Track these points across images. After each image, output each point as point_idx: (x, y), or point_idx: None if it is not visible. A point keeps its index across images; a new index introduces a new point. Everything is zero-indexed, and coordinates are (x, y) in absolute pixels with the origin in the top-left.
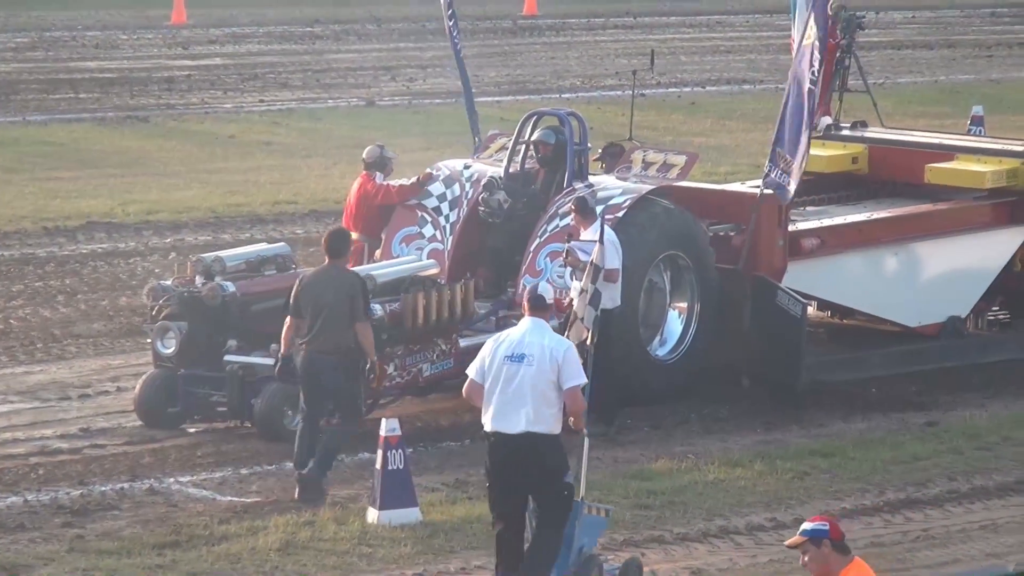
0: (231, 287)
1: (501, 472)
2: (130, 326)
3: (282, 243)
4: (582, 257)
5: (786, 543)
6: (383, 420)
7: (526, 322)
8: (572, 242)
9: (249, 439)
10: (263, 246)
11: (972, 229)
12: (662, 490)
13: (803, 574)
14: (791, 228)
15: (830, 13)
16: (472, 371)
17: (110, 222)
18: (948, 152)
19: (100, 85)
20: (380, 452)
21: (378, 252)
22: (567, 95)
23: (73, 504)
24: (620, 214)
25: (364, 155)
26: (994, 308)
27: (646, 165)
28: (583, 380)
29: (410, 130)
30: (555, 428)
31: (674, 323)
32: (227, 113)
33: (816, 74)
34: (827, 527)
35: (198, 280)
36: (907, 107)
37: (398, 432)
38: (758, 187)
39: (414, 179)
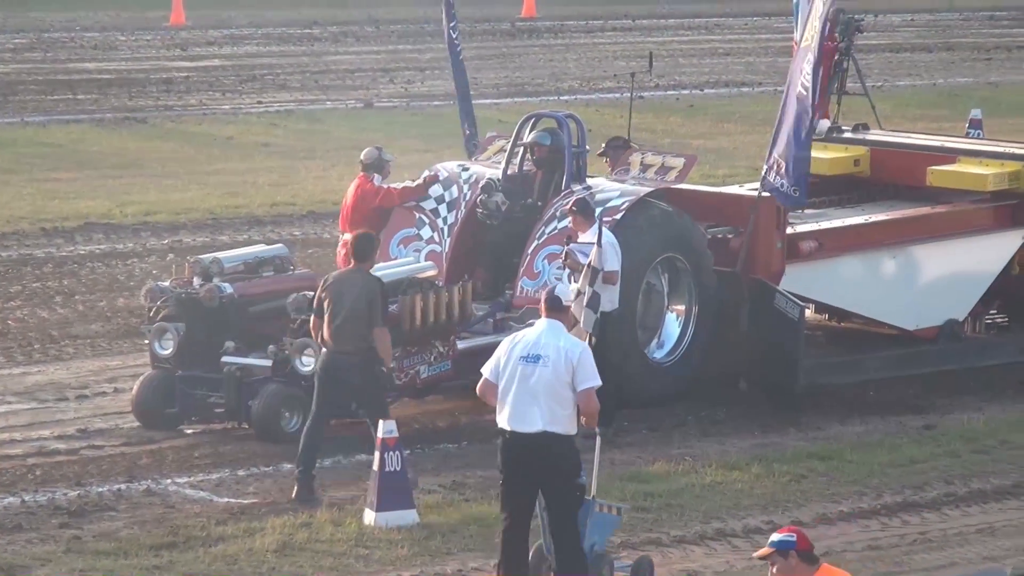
0: (229, 288)
1: (515, 470)
2: (128, 327)
3: (280, 244)
4: (582, 259)
5: (754, 555)
6: (380, 422)
7: (542, 323)
8: (571, 244)
9: (246, 440)
10: (261, 247)
11: (970, 232)
12: (659, 492)
13: None
14: (789, 231)
15: (828, 17)
16: (487, 370)
17: (108, 223)
18: (950, 155)
19: (98, 86)
20: (377, 454)
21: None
22: (565, 97)
23: (70, 505)
24: (618, 216)
25: (362, 157)
26: (992, 311)
27: (644, 167)
28: (598, 382)
29: (408, 132)
30: (570, 429)
31: (672, 326)
32: (225, 114)
33: (809, 77)
34: (794, 538)
35: (196, 281)
36: (905, 110)
37: (395, 434)
38: (756, 190)
39: (419, 180)
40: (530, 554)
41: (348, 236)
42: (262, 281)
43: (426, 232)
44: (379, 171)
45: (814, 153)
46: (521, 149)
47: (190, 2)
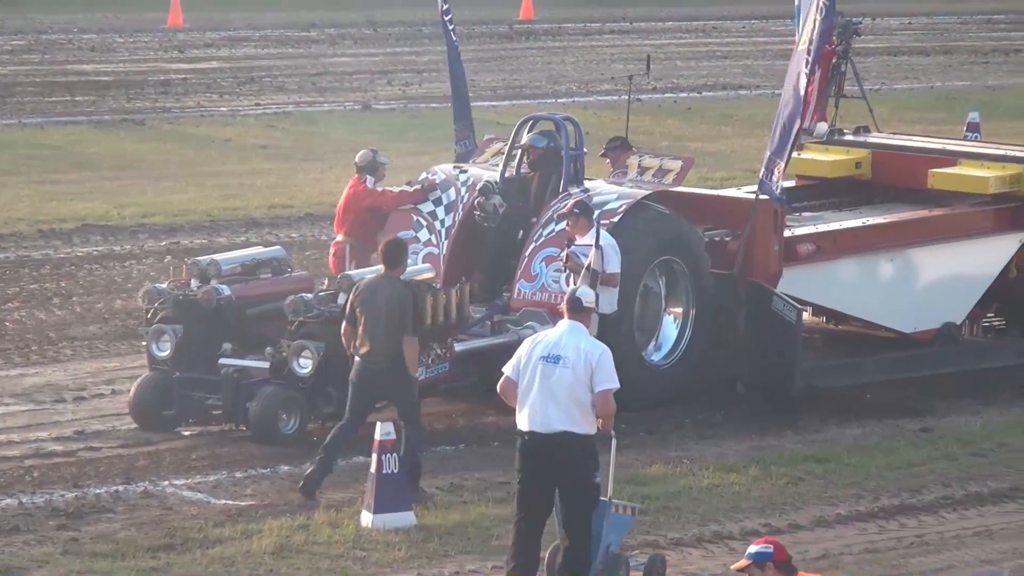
0: (226, 290)
1: (532, 471)
2: (125, 329)
3: (278, 246)
4: (583, 261)
5: (732, 567)
6: (378, 424)
7: (564, 324)
8: (573, 247)
9: (244, 442)
10: (258, 249)
11: (968, 235)
12: (656, 495)
13: None
14: (787, 234)
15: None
16: (508, 369)
17: (106, 225)
18: (951, 157)
19: (96, 88)
20: (375, 456)
21: (373, 255)
22: (563, 100)
23: (67, 506)
24: (616, 219)
25: (356, 159)
26: (989, 314)
27: (642, 170)
28: (616, 384)
29: (406, 134)
30: (589, 429)
31: (669, 328)
32: (223, 116)
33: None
34: (771, 549)
35: (193, 283)
36: (903, 113)
37: (393, 436)
38: (754, 192)
39: (417, 186)
40: (547, 553)
41: (340, 237)
42: (260, 283)
43: (424, 235)
44: (372, 173)
45: (816, 156)
46: (519, 152)
47: (188, 4)
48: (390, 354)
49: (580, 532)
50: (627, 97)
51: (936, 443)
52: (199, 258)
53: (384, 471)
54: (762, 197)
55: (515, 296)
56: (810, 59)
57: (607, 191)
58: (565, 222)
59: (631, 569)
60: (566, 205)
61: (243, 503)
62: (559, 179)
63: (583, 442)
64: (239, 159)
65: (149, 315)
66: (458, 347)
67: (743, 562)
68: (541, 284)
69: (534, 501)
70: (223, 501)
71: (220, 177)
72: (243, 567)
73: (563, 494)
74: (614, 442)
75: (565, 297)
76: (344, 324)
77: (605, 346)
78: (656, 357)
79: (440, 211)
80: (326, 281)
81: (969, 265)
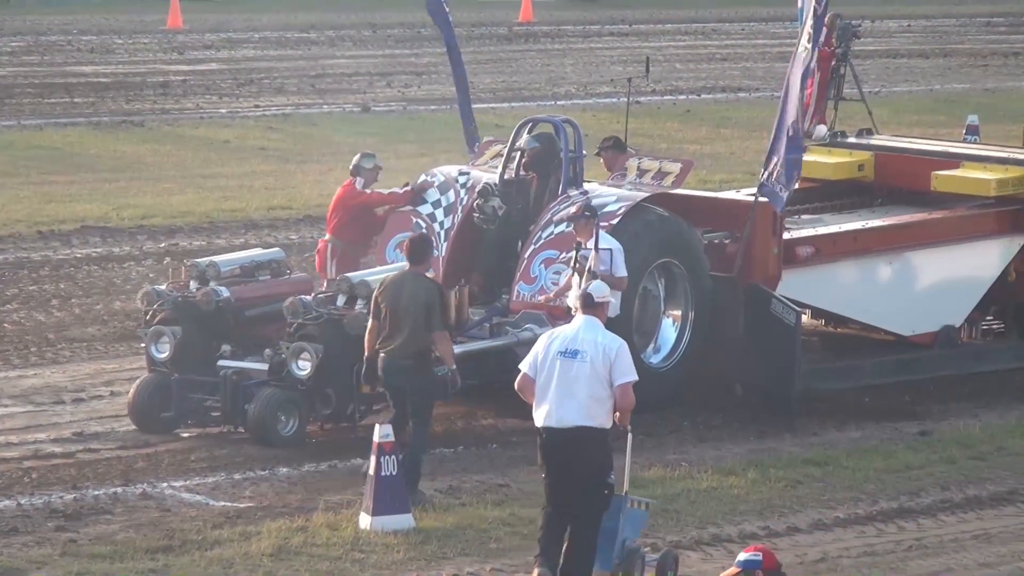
0: (225, 292)
1: (553, 466)
2: (124, 330)
3: (276, 248)
4: (601, 266)
5: (721, 574)
6: (376, 426)
7: (580, 319)
8: (583, 250)
9: (242, 444)
10: (257, 251)
11: (967, 238)
12: (655, 497)
13: None
14: (786, 236)
15: (825, 24)
16: (525, 366)
17: (105, 226)
18: (954, 160)
19: (95, 89)
20: (373, 458)
21: (370, 257)
22: (562, 102)
23: (66, 508)
24: (615, 221)
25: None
26: (988, 318)
27: (641, 172)
28: (635, 377)
29: (405, 136)
30: (605, 423)
31: (668, 331)
32: (222, 118)
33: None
34: (760, 557)
35: (192, 285)
36: (902, 116)
37: (391, 438)
38: (753, 195)
39: (406, 187)
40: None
41: (327, 237)
42: (258, 285)
43: None
44: (361, 175)
45: (819, 158)
46: (517, 154)
47: (187, 6)
48: (414, 350)
49: (588, 530)
50: (626, 99)
51: (935, 446)
52: (198, 260)
53: (383, 473)
54: (761, 199)
55: (514, 298)
56: (809, 60)
57: (606, 193)
58: (572, 224)
59: (647, 564)
60: (575, 207)
61: (241, 505)
62: (558, 181)
63: (599, 437)
64: (238, 161)
65: (148, 317)
66: (457, 349)
67: (732, 570)
68: (540, 286)
69: (562, 495)
70: (221, 503)
71: (219, 179)
72: (241, 569)
73: (577, 491)
74: (630, 437)
75: (579, 294)
76: (370, 321)
77: (622, 340)
78: (655, 360)
79: (439, 213)
80: (325, 283)
81: (968, 268)
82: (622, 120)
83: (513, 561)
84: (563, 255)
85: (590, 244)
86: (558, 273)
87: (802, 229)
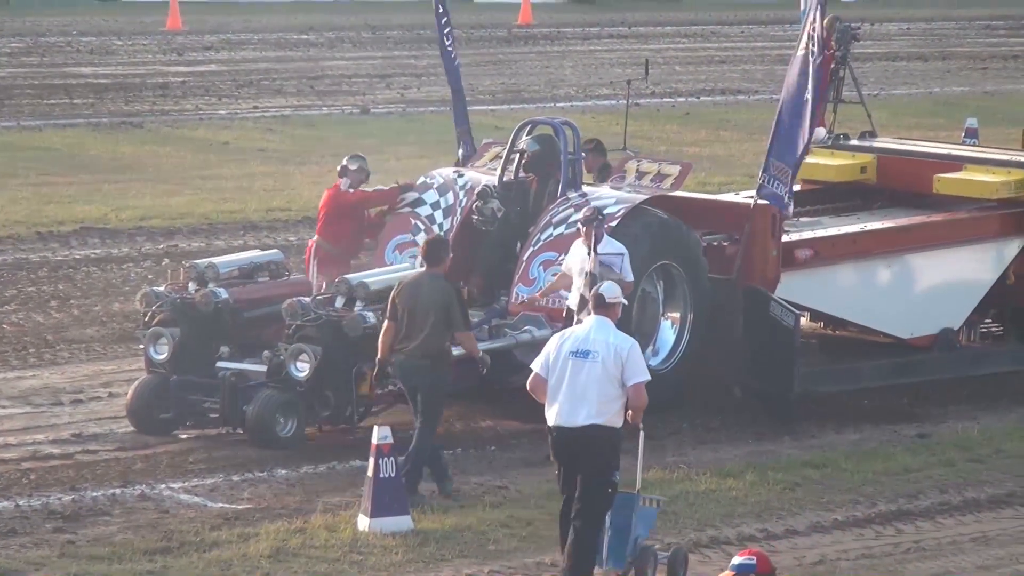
0: (224, 294)
1: (565, 464)
2: (123, 332)
3: (275, 250)
4: (615, 271)
5: None
6: (375, 428)
7: (591, 320)
8: (601, 257)
9: (241, 446)
10: (256, 253)
11: (966, 241)
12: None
13: None
14: (784, 239)
15: (824, 25)
16: (537, 365)
17: (104, 227)
18: (956, 162)
19: (95, 90)
20: (372, 460)
21: (361, 259)
22: (561, 104)
23: (64, 509)
24: (614, 224)
25: None
26: (987, 320)
27: (640, 175)
28: (647, 376)
29: (404, 138)
30: (616, 422)
31: (667, 333)
32: (221, 119)
33: (809, 86)
34: (754, 561)
35: (191, 286)
36: (901, 119)
37: (390, 440)
38: (752, 197)
39: (392, 185)
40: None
41: (315, 238)
42: (257, 286)
43: (421, 238)
44: (348, 176)
45: (821, 160)
46: (516, 156)
47: (187, 7)
48: (430, 351)
49: (588, 528)
50: (626, 101)
51: (933, 449)
52: (197, 261)
53: (381, 475)
54: (760, 202)
55: (513, 300)
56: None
57: (605, 196)
58: (583, 227)
59: (659, 561)
60: (585, 211)
61: (240, 506)
62: (557, 183)
63: (608, 435)
64: (237, 162)
65: (147, 318)
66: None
67: (727, 573)
68: (539, 288)
69: (574, 490)
70: (220, 504)
71: (218, 180)
72: (240, 570)
73: (581, 488)
74: (642, 435)
75: (591, 293)
76: (386, 322)
77: (634, 340)
78: (653, 362)
79: (438, 215)
80: (323, 285)
81: (967, 271)
82: (621, 122)
83: (511, 563)
84: (560, 257)
85: (601, 247)
86: (556, 275)
87: (801, 231)
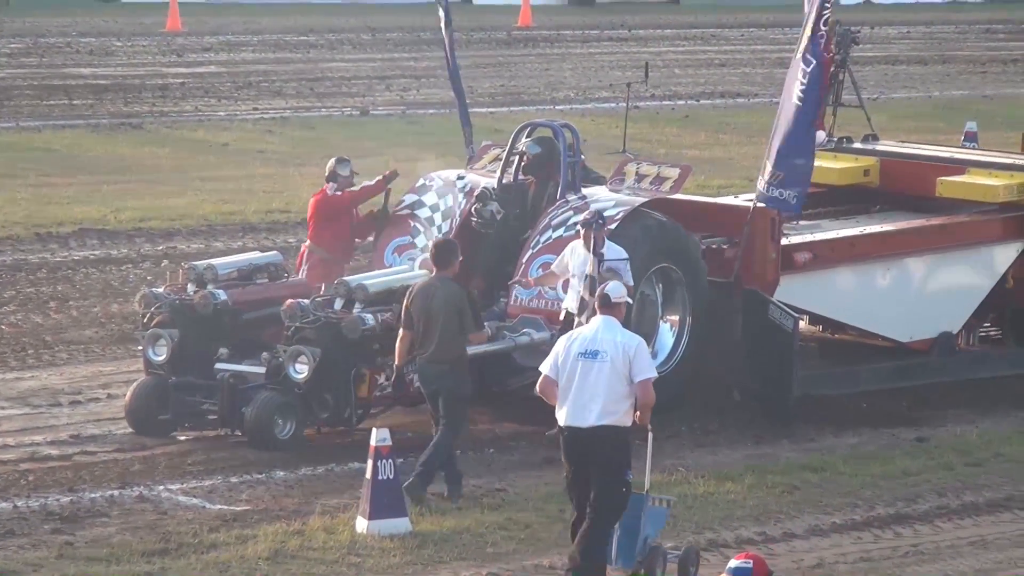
0: (223, 295)
1: (575, 465)
2: (121, 333)
3: (274, 252)
4: (622, 275)
5: None
6: (374, 430)
7: (598, 320)
8: (606, 263)
9: (239, 447)
10: (255, 255)
11: (965, 245)
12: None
13: None
14: (784, 242)
15: (823, 28)
16: (546, 367)
17: (103, 229)
18: (959, 166)
19: (94, 91)
20: (370, 462)
21: (354, 261)
22: (561, 107)
23: (63, 511)
24: (613, 226)
25: None
26: (986, 324)
27: (639, 178)
28: (654, 374)
29: (404, 140)
30: (625, 421)
31: (666, 336)
32: (221, 121)
33: (803, 90)
34: (750, 565)
35: (190, 288)
36: (901, 122)
37: (388, 442)
38: (751, 200)
39: (378, 178)
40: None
41: (307, 243)
42: (256, 288)
43: (421, 240)
44: (333, 180)
45: (824, 163)
46: (515, 158)
47: (186, 8)
48: (448, 356)
49: (601, 528)
50: (625, 104)
51: (932, 452)
52: (196, 263)
53: (380, 477)
54: (759, 205)
55: (512, 303)
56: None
57: (605, 198)
58: (583, 230)
59: (668, 561)
60: (586, 214)
61: (238, 508)
62: (556, 186)
63: (619, 435)
64: (236, 164)
65: (145, 319)
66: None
67: None
68: (538, 291)
69: (583, 493)
70: (218, 506)
71: (217, 182)
72: (238, 572)
73: (596, 489)
74: (651, 435)
75: (596, 293)
76: (402, 331)
77: (640, 338)
78: None
79: (437, 217)
80: (322, 287)
81: (966, 275)
82: (621, 125)
83: (509, 565)
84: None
85: (604, 251)
86: (566, 278)
87: (800, 235)
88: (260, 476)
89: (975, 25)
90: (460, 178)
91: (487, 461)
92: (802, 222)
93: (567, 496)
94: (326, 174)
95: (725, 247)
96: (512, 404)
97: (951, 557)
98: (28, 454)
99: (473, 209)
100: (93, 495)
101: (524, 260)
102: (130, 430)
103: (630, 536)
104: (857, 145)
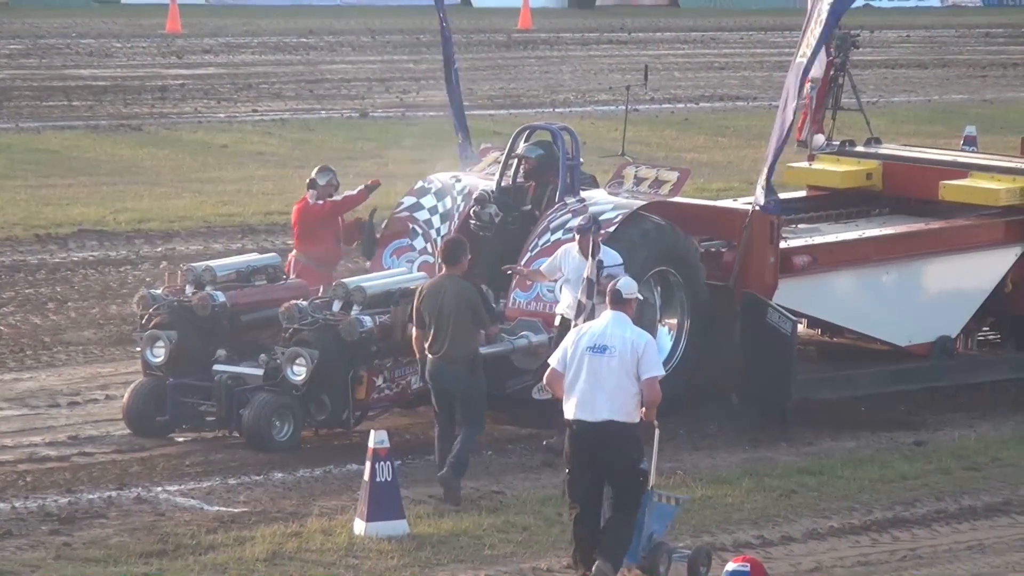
0: (221, 297)
1: (581, 459)
2: (120, 334)
3: (273, 254)
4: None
5: None
6: (372, 432)
7: (608, 315)
8: (606, 269)
9: (237, 449)
10: (253, 256)
11: (964, 249)
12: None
13: None
14: (782, 245)
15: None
16: (554, 360)
17: (101, 230)
18: (962, 169)
19: (93, 93)
20: (368, 464)
21: (368, 263)
22: (560, 109)
23: (60, 512)
24: (611, 229)
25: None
26: (984, 328)
27: (638, 181)
28: (661, 372)
29: (403, 142)
30: (634, 417)
31: (664, 339)
32: (220, 123)
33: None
34: (747, 568)
35: (188, 289)
36: (900, 126)
37: (387, 444)
38: (750, 204)
39: (360, 188)
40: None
41: (294, 252)
42: (254, 290)
43: (419, 243)
44: (313, 188)
45: (827, 167)
46: (515, 161)
47: (186, 10)
48: (462, 354)
49: (624, 519)
50: (624, 107)
51: (930, 456)
52: (194, 264)
53: (377, 479)
54: (758, 208)
55: (510, 305)
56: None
57: (603, 201)
58: (578, 236)
59: (673, 560)
60: (584, 217)
61: (236, 510)
62: (555, 189)
63: (627, 430)
64: (236, 166)
65: (144, 321)
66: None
67: None
68: (536, 294)
69: (586, 490)
70: (216, 507)
71: (216, 183)
72: (235, 573)
73: (612, 482)
74: (657, 432)
75: (608, 289)
76: (413, 330)
77: (649, 335)
78: None
79: (436, 219)
80: (320, 288)
81: (965, 279)
82: (620, 128)
83: (507, 567)
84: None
85: (601, 257)
86: (554, 280)
87: (799, 238)
88: (258, 478)
89: (975, 29)
90: (458, 181)
91: (485, 463)
92: (801, 225)
93: (566, 498)
94: (308, 181)
95: (724, 250)
96: (510, 407)
97: (949, 561)
98: (26, 455)
99: (472, 212)
100: (91, 496)
101: (522, 263)
102: (128, 431)
103: (635, 532)
104: (860, 148)
